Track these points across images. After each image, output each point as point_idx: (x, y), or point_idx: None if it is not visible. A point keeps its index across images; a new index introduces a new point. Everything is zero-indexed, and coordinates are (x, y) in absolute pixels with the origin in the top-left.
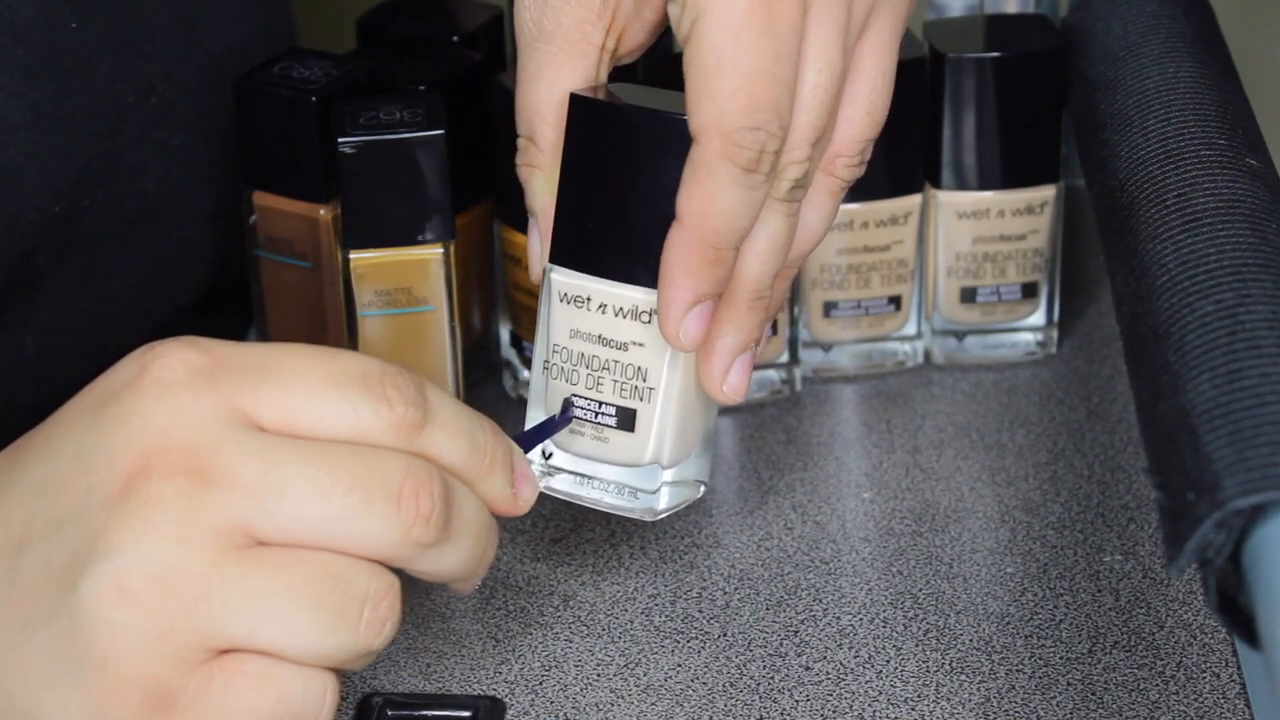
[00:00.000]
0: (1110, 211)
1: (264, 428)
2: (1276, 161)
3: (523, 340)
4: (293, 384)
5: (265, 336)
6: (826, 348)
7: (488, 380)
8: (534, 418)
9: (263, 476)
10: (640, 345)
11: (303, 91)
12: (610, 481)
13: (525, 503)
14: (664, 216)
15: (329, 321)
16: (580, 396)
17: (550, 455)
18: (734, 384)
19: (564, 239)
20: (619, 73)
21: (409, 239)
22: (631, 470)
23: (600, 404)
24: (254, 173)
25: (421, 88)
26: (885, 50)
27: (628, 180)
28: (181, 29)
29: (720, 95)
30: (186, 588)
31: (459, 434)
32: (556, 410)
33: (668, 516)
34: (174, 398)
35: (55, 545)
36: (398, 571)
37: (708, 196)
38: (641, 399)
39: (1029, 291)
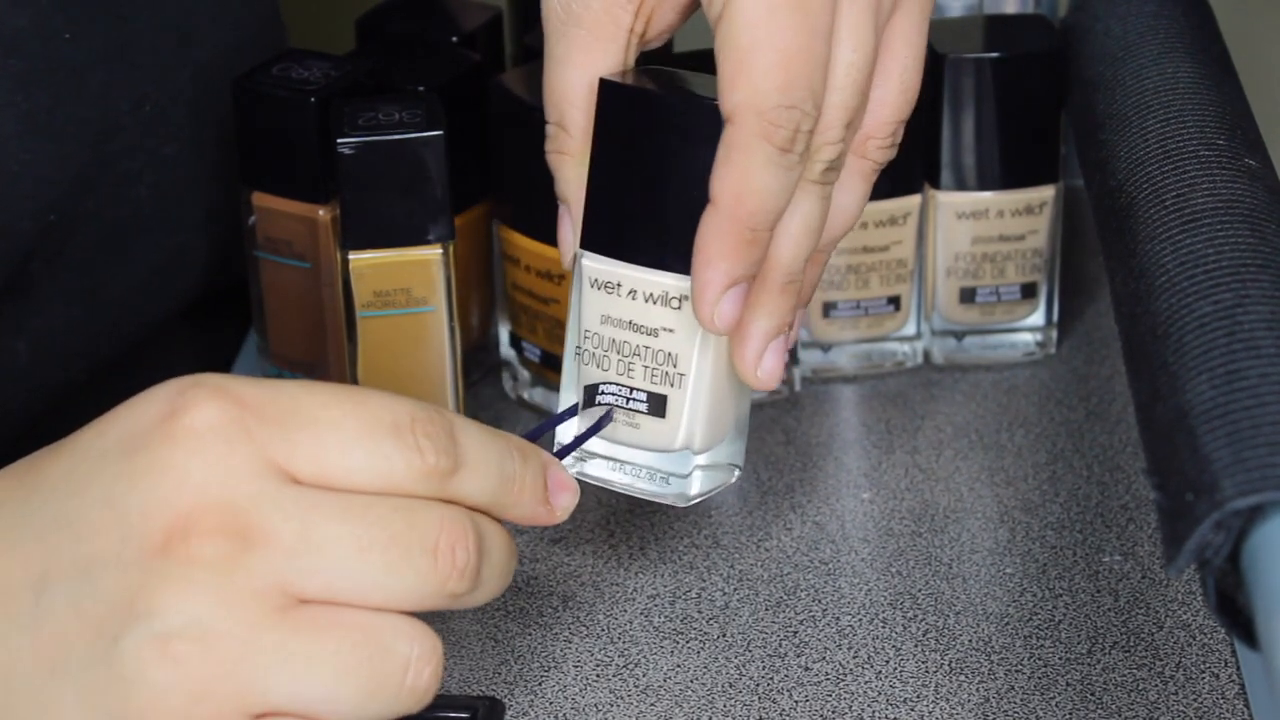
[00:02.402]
0: (1109, 212)
1: (297, 479)
2: (1275, 162)
3: (522, 340)
4: (326, 434)
5: (264, 338)
6: (825, 348)
7: (487, 381)
8: (566, 402)
9: (301, 535)
10: (670, 331)
11: (301, 92)
12: (643, 467)
13: (564, 510)
14: (695, 202)
15: (328, 322)
16: (611, 383)
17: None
18: (768, 369)
19: (595, 225)
20: (649, 55)
21: (408, 239)
22: (663, 456)
23: (631, 390)
24: (253, 173)
25: (421, 88)
26: (916, 30)
27: (658, 165)
28: (172, 38)
29: (755, 74)
30: (228, 652)
31: (489, 472)
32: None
33: (700, 503)
34: (209, 450)
35: (86, 591)
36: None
37: (743, 177)
38: (672, 385)
39: (1028, 292)
